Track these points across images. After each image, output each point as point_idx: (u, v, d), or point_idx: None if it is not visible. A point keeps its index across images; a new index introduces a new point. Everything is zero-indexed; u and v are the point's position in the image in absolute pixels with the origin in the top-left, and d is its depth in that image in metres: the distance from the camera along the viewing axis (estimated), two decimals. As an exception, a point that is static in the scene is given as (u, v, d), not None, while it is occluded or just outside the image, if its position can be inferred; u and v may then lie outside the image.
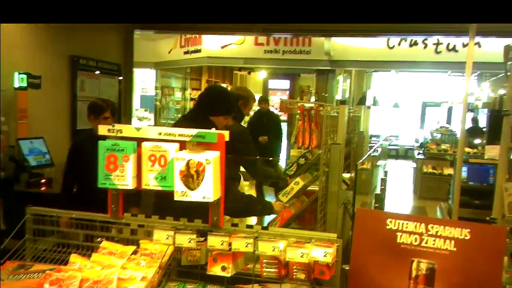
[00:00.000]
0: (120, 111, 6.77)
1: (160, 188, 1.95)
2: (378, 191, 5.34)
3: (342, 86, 11.98)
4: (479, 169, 5.62)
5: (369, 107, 9.38)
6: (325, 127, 3.86)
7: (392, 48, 9.61)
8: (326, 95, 10.47)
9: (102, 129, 2.01)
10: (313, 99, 10.99)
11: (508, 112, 3.13)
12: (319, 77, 10.88)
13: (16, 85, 4.86)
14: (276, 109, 11.11)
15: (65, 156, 3.79)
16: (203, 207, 1.96)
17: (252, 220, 4.56)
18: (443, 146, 11.35)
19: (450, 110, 17.41)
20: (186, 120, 3.27)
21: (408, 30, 6.54)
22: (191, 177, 1.84)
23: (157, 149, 1.95)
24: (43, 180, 4.86)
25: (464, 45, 8.81)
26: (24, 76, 4.92)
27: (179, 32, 9.74)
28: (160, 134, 1.96)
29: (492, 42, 8.09)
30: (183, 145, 1.96)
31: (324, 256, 1.78)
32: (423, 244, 1.81)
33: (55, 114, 5.65)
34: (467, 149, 8.76)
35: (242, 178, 4.62)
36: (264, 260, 1.89)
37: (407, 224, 1.85)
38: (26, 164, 4.81)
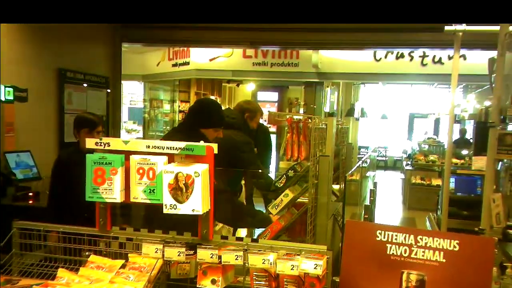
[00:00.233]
0: (108, 124, 6.73)
1: (148, 201, 1.95)
2: (367, 202, 5.35)
3: (330, 98, 12.06)
4: (467, 180, 5.65)
5: (357, 119, 9.46)
6: (314, 139, 3.87)
7: (379, 60, 9.71)
8: (315, 107, 10.52)
9: (90, 143, 2.00)
10: (301, 111, 11.04)
11: (494, 123, 3.16)
12: (307, 89, 10.94)
13: (3, 98, 4.82)
14: (265, 121, 11.13)
15: (52, 170, 3.76)
16: (192, 220, 1.95)
17: (242, 232, 4.55)
18: (431, 157, 11.44)
19: (437, 121, 17.60)
20: (176, 133, 3.27)
21: (394, 43, 6.60)
22: (180, 190, 1.84)
23: (145, 162, 1.94)
24: (30, 194, 4.81)
25: (450, 58, 8.93)
26: (11, 89, 4.88)
27: (167, 44, 9.75)
28: (148, 147, 1.95)
29: (477, 54, 8.21)
30: (171, 158, 1.95)
31: (315, 268, 1.78)
32: (412, 255, 1.81)
33: (42, 127, 5.60)
34: (454, 160, 8.84)
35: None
36: (254, 273, 1.88)
37: (396, 235, 1.85)
38: (13, 178, 4.76)
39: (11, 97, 4.90)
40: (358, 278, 1.86)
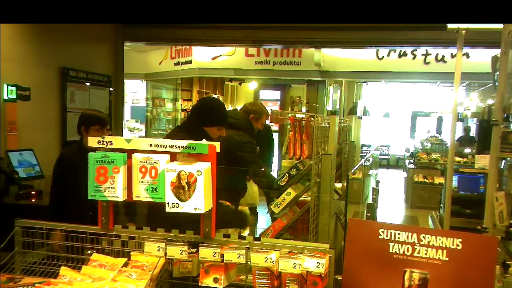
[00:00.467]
0: (110, 122, 6.73)
1: (151, 200, 1.95)
2: (370, 200, 5.35)
3: (332, 97, 12.04)
4: (470, 179, 5.64)
5: (360, 117, 9.44)
6: (316, 138, 3.87)
7: (381, 59, 9.69)
8: (317, 105, 10.50)
9: (93, 141, 2.01)
10: (304, 109, 11.03)
11: (497, 121, 3.15)
12: (310, 87, 10.91)
13: (5, 97, 4.83)
14: (267, 119, 11.11)
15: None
16: (194, 219, 1.95)
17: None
18: (434, 156, 11.41)
19: (440, 119, 17.56)
20: (179, 131, 3.27)
21: (397, 41, 6.58)
22: (182, 189, 1.83)
23: (147, 161, 1.94)
24: (33, 192, 4.81)
25: (453, 56, 8.90)
26: (13, 88, 4.89)
27: (169, 43, 9.75)
28: (150, 145, 1.95)
29: (480, 52, 8.18)
30: (174, 157, 1.95)
31: (317, 266, 1.77)
32: (415, 254, 1.81)
33: (45, 126, 5.61)
34: (457, 159, 8.82)
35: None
36: (257, 271, 1.88)
37: (399, 234, 1.84)
38: (16, 176, 4.76)
39: (13, 96, 4.91)
40: (361, 276, 1.86)
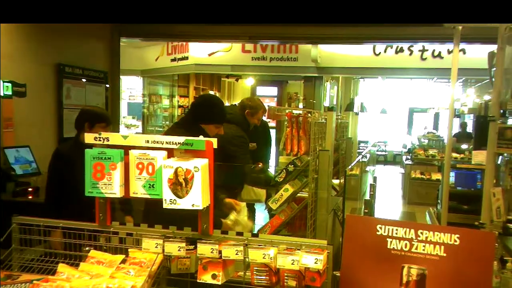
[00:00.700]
0: (107, 119, 6.71)
1: (148, 196, 1.94)
2: (367, 196, 5.35)
3: (329, 93, 12.04)
4: (467, 174, 5.66)
5: (357, 114, 9.45)
6: (313, 134, 3.86)
7: (378, 55, 9.69)
8: (314, 101, 10.50)
9: (89, 137, 2.00)
10: (301, 105, 11.02)
11: (494, 117, 3.15)
12: (307, 83, 10.91)
13: (1, 93, 4.80)
14: (264, 116, 11.11)
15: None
16: (190, 215, 1.95)
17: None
18: (431, 152, 11.44)
19: (436, 116, 17.59)
20: (177, 127, 3.27)
21: (393, 37, 6.58)
22: (180, 185, 1.83)
23: (144, 157, 1.93)
24: (30, 189, 4.80)
25: (449, 52, 8.90)
26: (9, 84, 4.87)
27: (166, 39, 9.72)
28: (147, 142, 1.94)
29: (477, 48, 8.19)
30: (171, 153, 1.94)
31: (315, 263, 1.77)
32: (413, 249, 1.81)
33: (41, 123, 5.59)
34: (454, 155, 8.83)
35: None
36: (255, 268, 1.88)
37: (397, 230, 1.85)
38: (12, 173, 4.75)
39: (9, 92, 4.88)
40: (359, 272, 1.86)
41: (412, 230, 1.83)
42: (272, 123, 10.42)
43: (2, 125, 4.84)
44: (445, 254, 1.77)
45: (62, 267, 1.89)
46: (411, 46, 9.37)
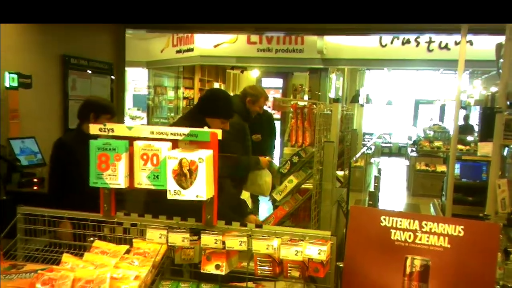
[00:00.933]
0: (112, 111, 6.72)
1: (152, 187, 1.95)
2: (371, 188, 5.34)
3: (335, 84, 12.00)
4: (472, 166, 5.64)
5: (362, 105, 9.41)
6: (318, 125, 3.86)
7: (384, 46, 9.62)
8: (319, 93, 10.47)
9: (94, 128, 2.00)
10: (306, 97, 10.99)
11: (501, 109, 3.14)
12: (312, 75, 10.87)
13: (7, 84, 4.82)
14: (269, 107, 11.10)
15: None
16: (196, 206, 1.95)
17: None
18: (436, 144, 11.38)
19: (442, 107, 17.48)
20: (183, 120, 3.26)
21: (400, 29, 6.53)
22: (184, 176, 1.83)
23: (149, 148, 1.94)
24: (35, 180, 4.82)
25: (456, 43, 8.83)
26: (15, 75, 4.88)
27: (171, 31, 9.70)
28: (152, 133, 1.95)
29: (484, 40, 8.12)
30: (175, 144, 1.95)
31: (318, 253, 1.77)
32: (417, 241, 1.81)
33: (47, 114, 5.60)
34: (459, 146, 8.80)
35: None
36: (258, 258, 1.88)
37: (401, 221, 1.84)
38: (18, 164, 4.77)
39: (15, 84, 4.90)
40: (362, 263, 1.86)
41: (416, 221, 1.82)
42: (277, 115, 10.42)
43: (8, 116, 4.86)
44: (449, 246, 1.77)
45: (66, 257, 1.90)
46: (418, 37, 9.29)
